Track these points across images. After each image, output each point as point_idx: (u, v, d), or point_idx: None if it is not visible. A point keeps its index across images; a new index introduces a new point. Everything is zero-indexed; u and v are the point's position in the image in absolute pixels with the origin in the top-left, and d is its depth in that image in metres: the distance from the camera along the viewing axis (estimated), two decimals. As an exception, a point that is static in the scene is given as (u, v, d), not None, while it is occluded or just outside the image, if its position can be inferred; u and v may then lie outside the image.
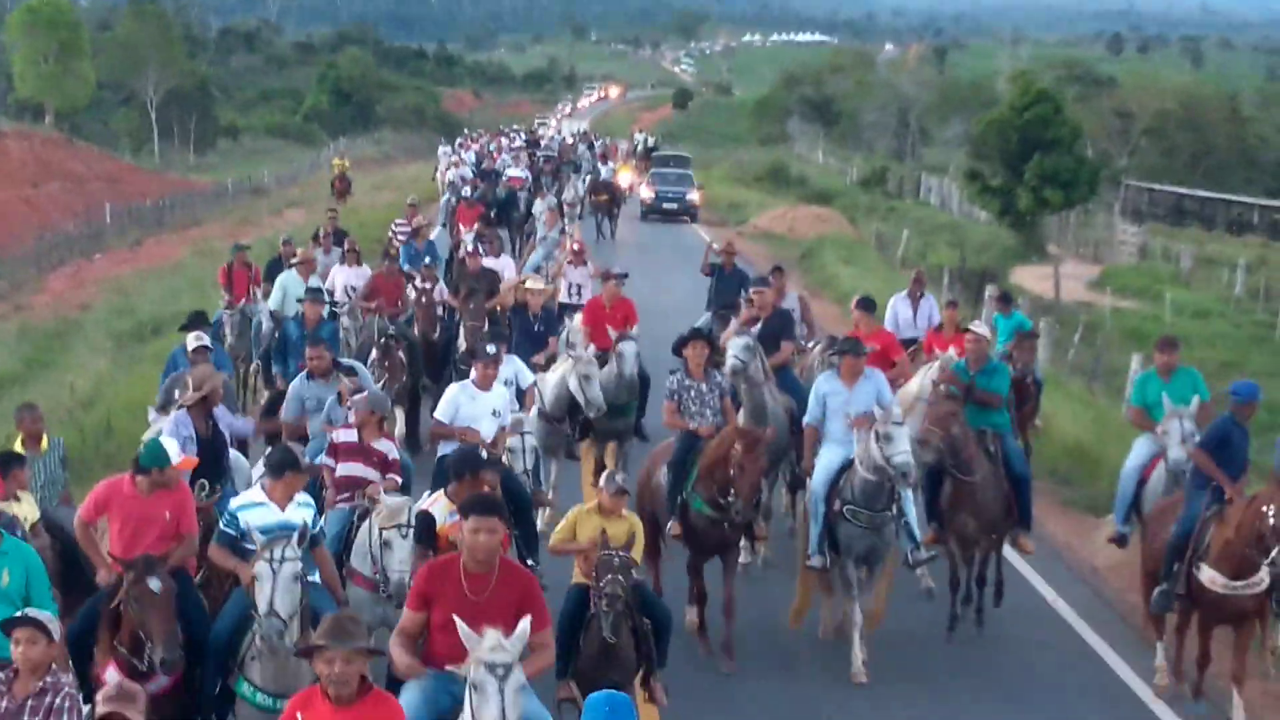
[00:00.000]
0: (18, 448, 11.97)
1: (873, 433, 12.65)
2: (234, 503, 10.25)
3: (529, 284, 19.07)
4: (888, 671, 12.85)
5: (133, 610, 9.31)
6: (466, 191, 34.22)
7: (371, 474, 11.98)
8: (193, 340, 14.57)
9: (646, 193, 51.85)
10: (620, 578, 10.21)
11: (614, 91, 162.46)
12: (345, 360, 15.43)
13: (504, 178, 39.54)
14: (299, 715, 7.35)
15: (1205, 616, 12.44)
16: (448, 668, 7.92)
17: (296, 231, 31.32)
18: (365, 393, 13.10)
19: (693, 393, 14.02)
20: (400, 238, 25.06)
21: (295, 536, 9.31)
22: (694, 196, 51.83)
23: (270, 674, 9.21)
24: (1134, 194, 73.97)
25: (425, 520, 10.55)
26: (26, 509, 10.81)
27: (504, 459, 13.21)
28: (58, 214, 54.38)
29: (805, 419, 13.90)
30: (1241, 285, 44.05)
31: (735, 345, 14.74)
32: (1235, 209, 68.92)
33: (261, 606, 9.06)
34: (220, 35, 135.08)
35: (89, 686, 9.29)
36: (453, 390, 13.79)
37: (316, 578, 9.96)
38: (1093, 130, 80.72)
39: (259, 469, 11.55)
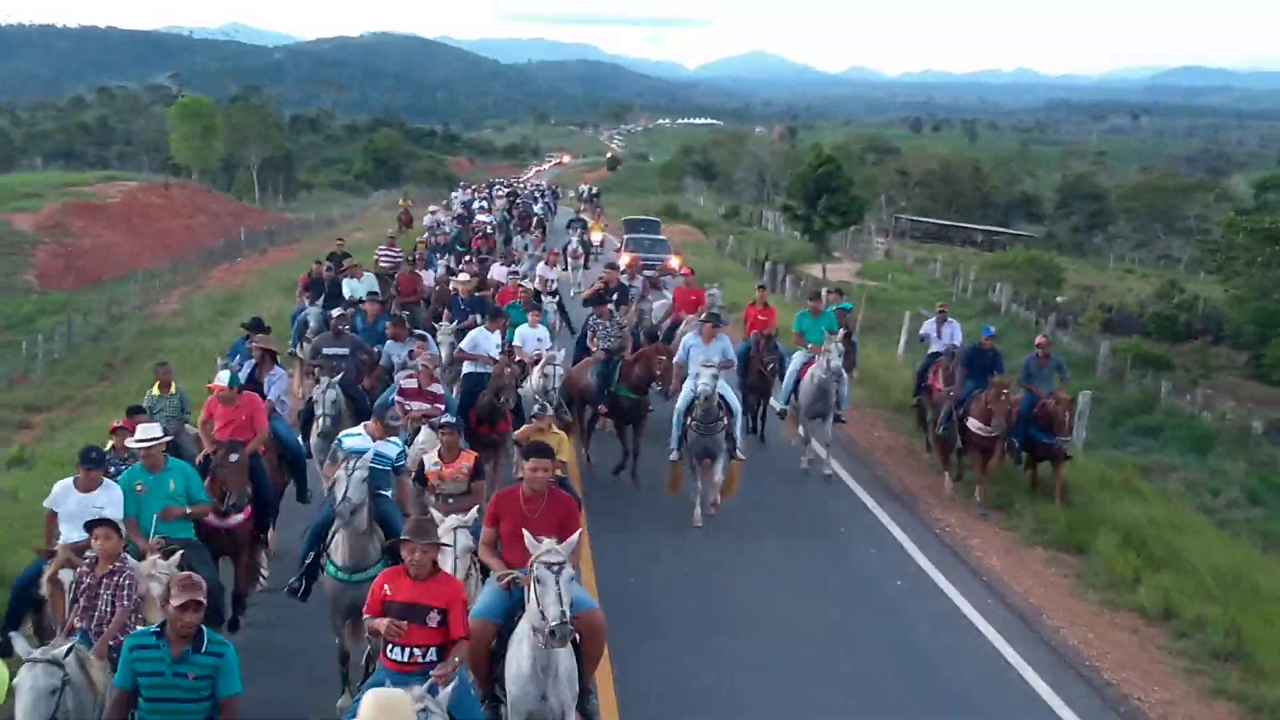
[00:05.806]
0: (155, 392, 11.73)
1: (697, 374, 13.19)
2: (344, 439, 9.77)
3: (460, 277, 18.84)
4: (720, 528, 13.38)
5: (220, 473, 9.79)
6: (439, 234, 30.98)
7: (428, 408, 11.93)
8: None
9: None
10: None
11: (566, 158, 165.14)
12: (418, 331, 15.44)
13: (475, 221, 36.14)
14: (386, 587, 6.94)
15: (972, 449, 14.56)
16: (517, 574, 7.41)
17: (358, 246, 31.01)
18: (428, 352, 13.12)
19: (600, 328, 15.32)
20: (384, 261, 24.09)
21: (367, 455, 8.87)
22: (674, 263, 30.41)
23: (346, 554, 8.78)
24: (906, 224, 79.83)
25: (420, 468, 10.13)
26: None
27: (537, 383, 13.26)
28: (206, 236, 55.84)
29: (675, 358, 14.36)
30: (939, 272, 50.26)
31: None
32: (968, 232, 76.19)
33: (339, 496, 8.62)
34: (292, 120, 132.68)
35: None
36: (474, 332, 14.26)
37: (390, 494, 9.45)
38: (882, 183, 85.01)
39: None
